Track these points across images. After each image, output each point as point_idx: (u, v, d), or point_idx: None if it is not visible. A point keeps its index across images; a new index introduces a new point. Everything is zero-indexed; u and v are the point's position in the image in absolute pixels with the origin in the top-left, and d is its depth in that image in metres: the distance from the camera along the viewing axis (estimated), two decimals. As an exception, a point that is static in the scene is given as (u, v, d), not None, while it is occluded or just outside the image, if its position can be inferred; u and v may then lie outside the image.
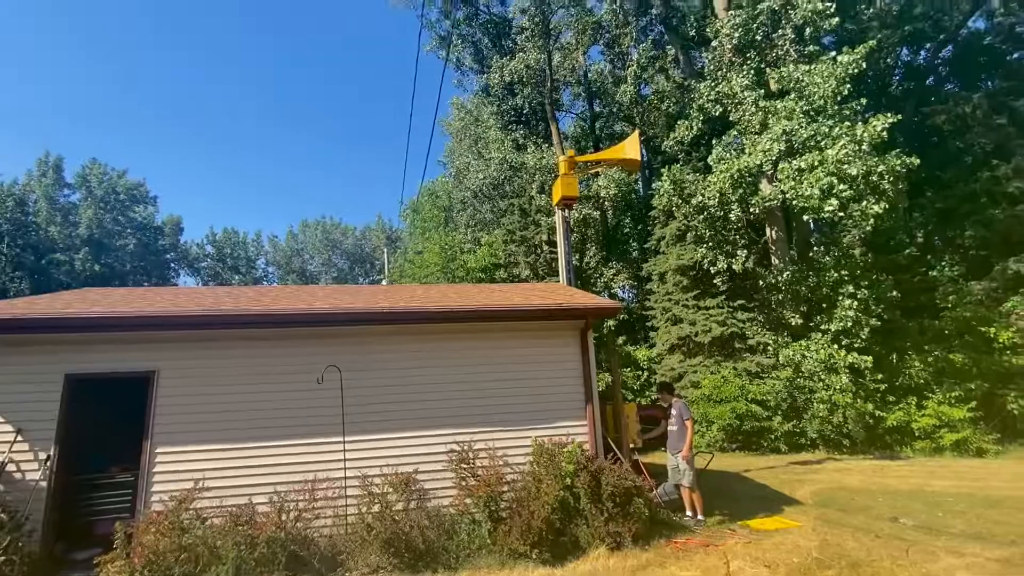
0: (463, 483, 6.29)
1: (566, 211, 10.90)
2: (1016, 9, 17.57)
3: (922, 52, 21.21)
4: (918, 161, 12.23)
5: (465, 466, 6.41)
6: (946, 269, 16.03)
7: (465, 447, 6.52)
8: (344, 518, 6.01)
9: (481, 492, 5.97)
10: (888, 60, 19.79)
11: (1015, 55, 18.49)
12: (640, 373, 17.20)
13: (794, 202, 12.56)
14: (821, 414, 12.81)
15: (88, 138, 77.83)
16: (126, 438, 6.53)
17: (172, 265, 52.26)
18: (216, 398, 6.31)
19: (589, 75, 26.51)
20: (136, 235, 44.98)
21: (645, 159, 24.36)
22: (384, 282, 29.16)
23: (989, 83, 18.96)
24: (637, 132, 12.88)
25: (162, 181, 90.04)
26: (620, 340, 17.91)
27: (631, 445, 7.78)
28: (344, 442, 6.31)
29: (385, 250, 29.71)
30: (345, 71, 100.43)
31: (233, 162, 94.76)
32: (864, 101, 13.41)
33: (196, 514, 5.57)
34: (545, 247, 20.08)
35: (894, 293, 13.68)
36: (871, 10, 17.52)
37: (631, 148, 11.39)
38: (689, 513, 7.13)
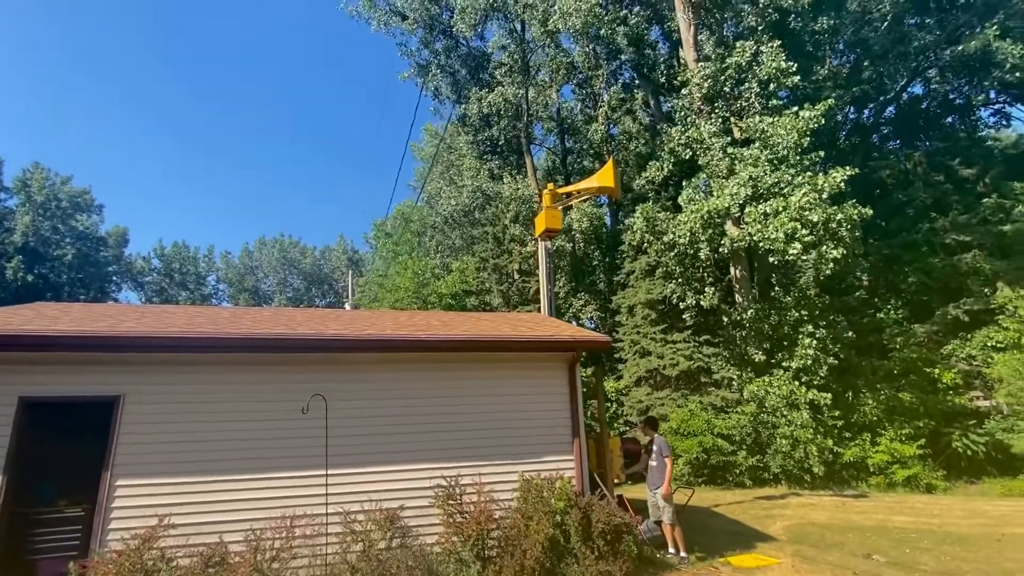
0: (450, 520, 6.06)
1: (548, 243, 11.05)
2: (951, 79, 19.56)
3: (866, 111, 23.13)
4: (871, 211, 13.19)
5: (452, 502, 6.20)
6: (892, 312, 17.14)
7: (452, 482, 6.32)
8: (324, 558, 5.66)
9: (471, 530, 5.77)
10: (838, 117, 21.43)
11: (948, 119, 20.47)
12: (608, 405, 17.33)
13: (761, 244, 13.21)
14: (784, 449, 13.22)
15: (36, 142, 73.46)
16: (79, 469, 5.99)
17: (114, 278, 49.27)
18: (188, 427, 5.89)
19: (561, 112, 27.39)
20: (76, 245, 42.28)
21: (614, 197, 25.14)
22: (347, 306, 28.43)
23: (927, 143, 20.85)
24: (612, 160, 13.12)
25: (118, 192, 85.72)
26: (588, 372, 18.09)
27: (615, 480, 7.76)
28: (327, 475, 5.99)
29: (350, 272, 29.08)
30: (322, 88, 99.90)
31: (199, 176, 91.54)
32: (822, 153, 14.41)
33: (161, 554, 5.13)
34: (517, 276, 20.18)
35: (849, 334, 14.47)
36: (824, 71, 19.06)
37: (607, 176, 11.61)
38: (672, 550, 7.12)
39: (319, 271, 61.87)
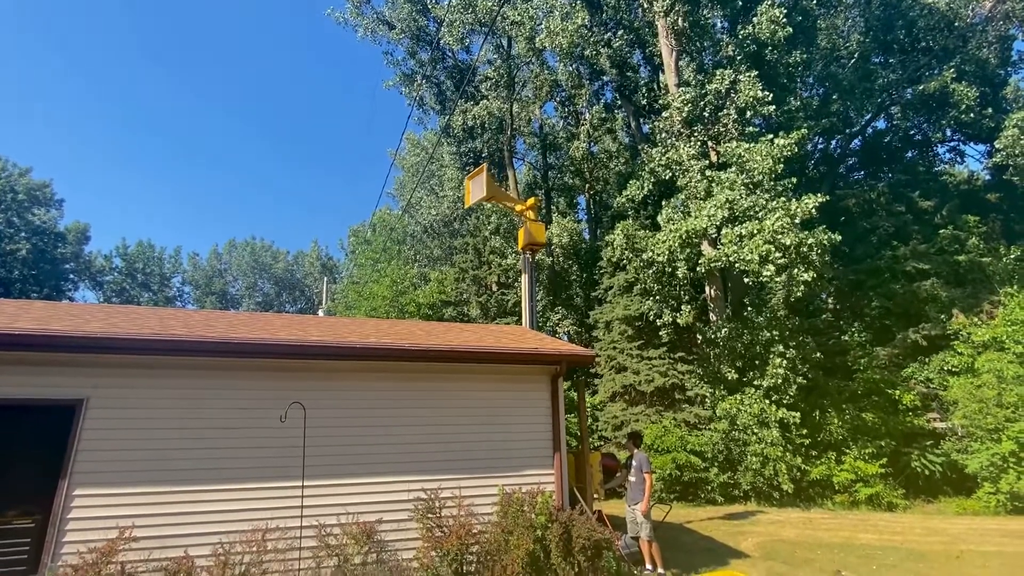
0: (429, 534, 5.94)
1: (531, 256, 11.09)
2: (911, 116, 20.69)
3: (834, 142, 24.20)
4: (840, 237, 13.72)
5: (432, 516, 6.07)
6: (856, 335, 17.76)
7: (432, 495, 6.20)
8: (296, 573, 5.45)
9: (450, 545, 5.66)
10: (808, 147, 22.35)
11: (909, 154, 21.59)
12: (586, 420, 17.32)
13: (737, 265, 13.56)
14: (754, 466, 13.45)
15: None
16: (32, 477, 5.62)
17: (71, 276, 47.07)
18: (155, 433, 5.63)
19: (544, 128, 27.76)
20: (31, 240, 40.31)
21: (594, 214, 25.53)
22: (320, 312, 27.83)
23: (890, 175, 21.92)
24: (485, 167, 12.20)
25: (85, 189, 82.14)
26: (566, 385, 18.15)
27: (594, 496, 7.75)
28: (303, 487, 5.79)
29: (324, 279, 28.53)
30: (302, 93, 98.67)
31: (173, 176, 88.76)
32: (795, 180, 14.96)
33: (121, 568, 4.86)
34: (496, 288, 20.16)
35: (817, 354, 14.92)
36: (796, 102, 19.89)
37: (471, 185, 11.15)
38: (649, 567, 7.12)
39: (291, 276, 60.50)
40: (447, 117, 23.87)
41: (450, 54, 24.58)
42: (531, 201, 12.27)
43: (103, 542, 5.00)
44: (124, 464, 5.47)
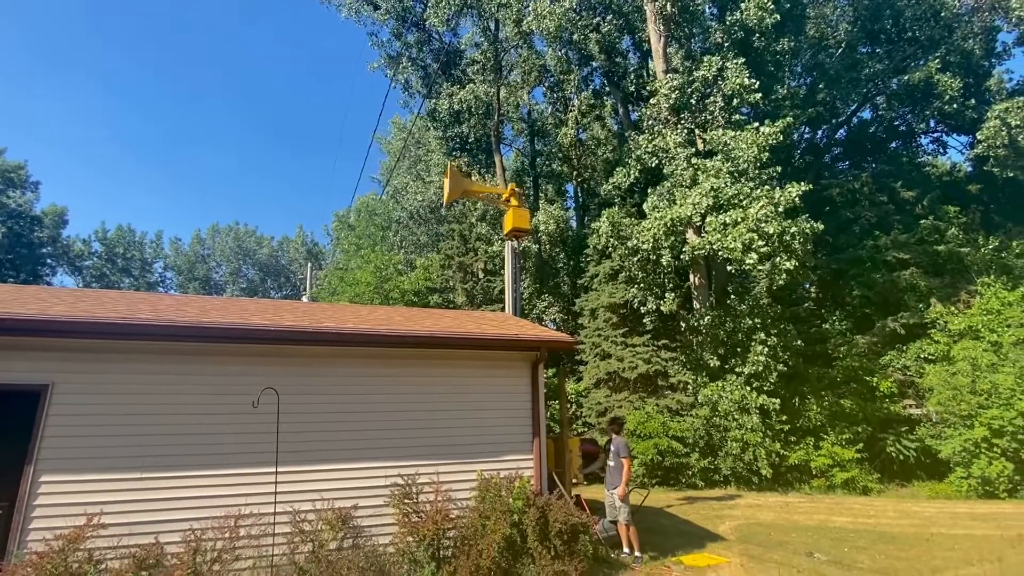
0: (406, 519, 5.92)
1: (515, 243, 11.02)
2: (896, 106, 20.82)
3: (820, 132, 24.31)
4: (822, 226, 13.82)
5: (408, 501, 6.05)
6: (836, 323, 18.01)
7: (409, 480, 6.17)
8: (270, 559, 5.40)
9: (427, 530, 5.64)
10: (794, 136, 22.44)
11: (893, 144, 21.76)
12: (568, 406, 17.42)
13: (720, 253, 13.62)
14: (734, 452, 13.66)
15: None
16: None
17: (48, 261, 46.05)
18: (123, 419, 5.50)
19: (532, 114, 27.49)
20: (7, 224, 39.28)
21: (581, 201, 25.46)
22: (305, 299, 27.56)
23: (874, 165, 22.10)
24: (450, 165, 12.76)
25: (63, 172, 79.98)
26: (550, 372, 18.22)
27: (573, 480, 7.78)
28: (276, 473, 5.72)
29: (309, 265, 28.20)
30: (284, 75, 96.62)
31: (154, 160, 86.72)
32: (779, 168, 15.00)
33: (88, 555, 4.76)
34: (482, 275, 20.07)
35: (798, 342, 15.11)
36: (783, 91, 19.88)
37: (447, 184, 11.64)
38: (627, 550, 7.20)
39: (276, 262, 59.80)
40: (433, 101, 23.51)
41: (436, 36, 24.14)
42: (510, 188, 12.18)
43: (70, 529, 4.90)
44: (92, 450, 5.35)
